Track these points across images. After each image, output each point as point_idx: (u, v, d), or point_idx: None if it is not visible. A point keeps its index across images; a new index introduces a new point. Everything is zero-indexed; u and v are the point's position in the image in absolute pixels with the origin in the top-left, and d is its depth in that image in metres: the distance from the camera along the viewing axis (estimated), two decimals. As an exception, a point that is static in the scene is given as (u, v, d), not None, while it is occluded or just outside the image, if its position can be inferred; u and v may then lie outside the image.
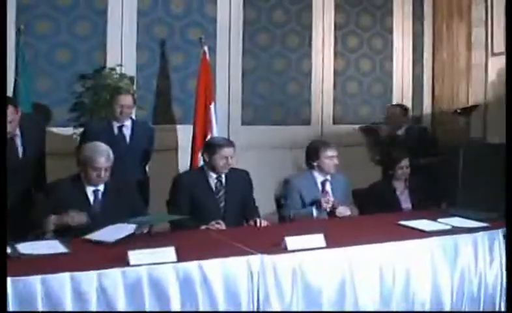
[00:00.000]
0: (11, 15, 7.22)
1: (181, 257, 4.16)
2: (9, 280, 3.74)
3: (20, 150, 5.87)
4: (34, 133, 6.02)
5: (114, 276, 3.96)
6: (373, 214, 5.95)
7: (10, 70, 6.80)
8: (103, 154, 5.13)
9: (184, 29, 8.22)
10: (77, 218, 4.92)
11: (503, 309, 4.98)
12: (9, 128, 5.71)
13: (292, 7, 8.81)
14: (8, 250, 4.09)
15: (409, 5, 9.47)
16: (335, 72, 9.13)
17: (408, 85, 9.55)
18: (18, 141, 5.84)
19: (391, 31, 9.41)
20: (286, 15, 8.80)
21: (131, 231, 4.65)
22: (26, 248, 4.31)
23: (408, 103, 9.35)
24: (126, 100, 6.50)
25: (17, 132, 5.84)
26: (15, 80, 6.73)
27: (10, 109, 5.71)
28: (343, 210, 5.95)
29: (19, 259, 4.10)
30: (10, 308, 3.72)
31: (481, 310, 4.98)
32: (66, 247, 4.38)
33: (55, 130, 7.52)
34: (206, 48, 7.65)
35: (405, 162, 6.36)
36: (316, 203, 5.91)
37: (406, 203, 6.37)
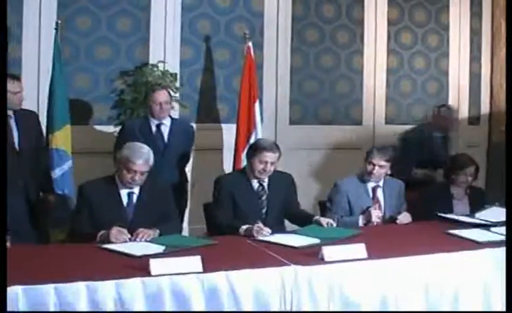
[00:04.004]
0: (51, 11, 7.15)
1: (207, 267, 3.92)
2: (20, 288, 3.58)
3: (16, 141, 5.78)
4: (30, 128, 5.93)
5: (133, 286, 3.75)
6: (426, 220, 5.58)
7: (48, 65, 6.72)
8: (141, 157, 4.90)
9: (229, 25, 7.98)
10: (120, 237, 4.60)
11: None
12: (16, 100, 5.73)
13: (343, 1, 8.50)
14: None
15: (466, 0, 9.08)
16: (388, 70, 8.80)
17: (465, 84, 9.18)
18: (14, 132, 5.77)
19: (447, 27, 9.03)
20: (336, 10, 8.48)
21: (160, 251, 4.37)
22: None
23: (464, 103, 9.11)
24: (162, 95, 6.26)
25: (13, 121, 5.78)
26: (53, 76, 6.49)
27: (16, 83, 5.75)
28: (404, 219, 5.62)
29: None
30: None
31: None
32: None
33: (94, 127, 7.40)
34: (250, 44, 7.37)
35: (470, 170, 5.96)
36: (365, 214, 5.60)
37: (464, 211, 5.92)
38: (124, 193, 4.98)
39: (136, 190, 4.99)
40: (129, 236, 4.63)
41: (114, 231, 4.61)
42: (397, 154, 5.95)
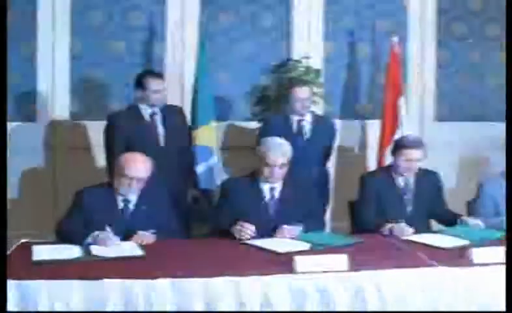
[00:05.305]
0: (194, 8, 7.32)
1: (353, 266, 3.85)
2: (168, 281, 3.65)
3: (162, 138, 5.87)
4: (176, 124, 6.02)
5: (278, 283, 3.72)
6: None
7: (191, 62, 6.88)
8: (277, 150, 4.88)
9: (372, 19, 7.87)
10: (243, 234, 4.61)
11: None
12: (158, 97, 5.82)
13: (490, -6, 8.25)
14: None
15: None
16: (541, 63, 8.38)
17: None
18: (160, 128, 5.87)
19: None
20: (484, 2, 8.22)
21: (305, 249, 4.33)
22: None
23: None
24: (303, 92, 6.24)
25: (159, 118, 5.87)
26: (197, 73, 6.57)
27: (158, 81, 5.85)
28: None
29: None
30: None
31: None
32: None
33: (236, 123, 7.49)
34: (394, 39, 7.22)
35: None
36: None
37: None
38: (265, 188, 4.96)
39: (278, 185, 4.97)
40: (251, 233, 4.60)
41: (238, 227, 4.63)
42: None
